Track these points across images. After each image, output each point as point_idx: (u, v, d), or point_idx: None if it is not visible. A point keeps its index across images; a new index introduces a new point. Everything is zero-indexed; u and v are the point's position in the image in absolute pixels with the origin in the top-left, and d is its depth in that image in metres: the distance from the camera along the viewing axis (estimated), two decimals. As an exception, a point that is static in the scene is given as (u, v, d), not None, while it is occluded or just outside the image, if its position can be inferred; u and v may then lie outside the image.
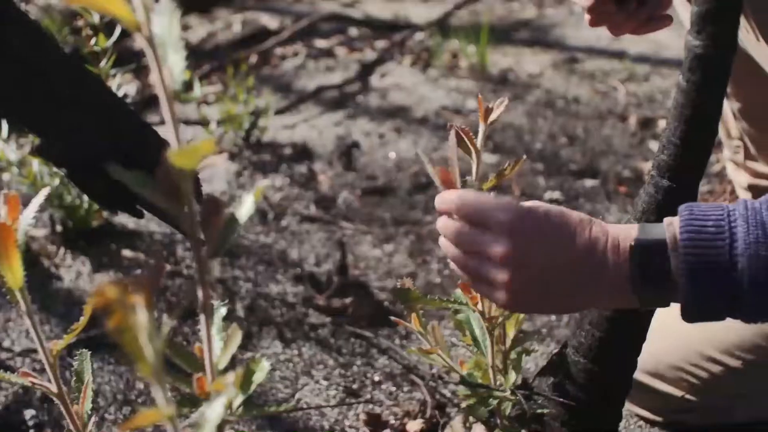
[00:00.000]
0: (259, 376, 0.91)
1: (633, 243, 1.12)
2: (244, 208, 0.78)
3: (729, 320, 1.59)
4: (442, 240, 1.22)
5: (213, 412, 0.71)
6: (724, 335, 1.61)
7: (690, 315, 1.11)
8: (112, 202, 1.28)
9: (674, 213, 1.13)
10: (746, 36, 1.83)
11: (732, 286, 1.06)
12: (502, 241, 1.13)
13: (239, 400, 0.91)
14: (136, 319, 0.65)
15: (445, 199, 1.19)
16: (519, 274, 1.13)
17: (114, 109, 1.26)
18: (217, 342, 0.90)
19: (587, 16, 1.57)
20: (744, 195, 2.28)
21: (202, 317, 0.80)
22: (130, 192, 0.74)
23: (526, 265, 1.14)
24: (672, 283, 1.10)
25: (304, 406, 1.77)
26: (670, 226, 1.10)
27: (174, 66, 0.72)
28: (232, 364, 0.85)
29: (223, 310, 0.94)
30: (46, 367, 1.05)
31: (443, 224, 1.20)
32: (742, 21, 1.80)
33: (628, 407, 1.73)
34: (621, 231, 1.14)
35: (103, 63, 1.98)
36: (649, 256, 1.11)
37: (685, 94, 1.24)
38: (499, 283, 1.15)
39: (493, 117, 1.28)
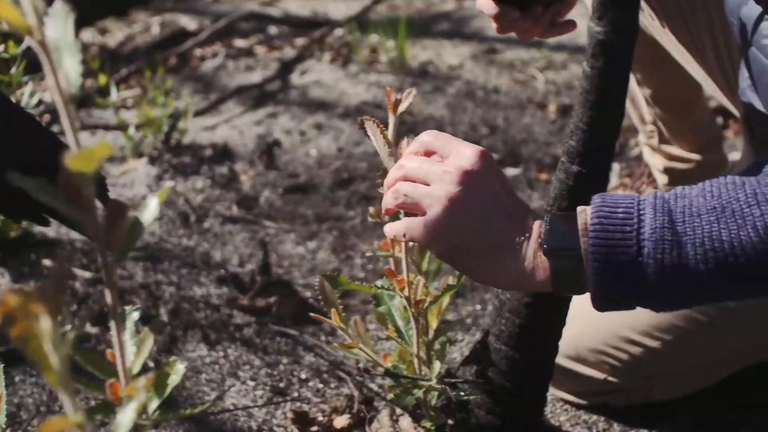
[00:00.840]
0: (174, 379, 0.90)
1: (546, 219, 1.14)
2: (149, 211, 0.77)
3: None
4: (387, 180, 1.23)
5: (125, 417, 0.70)
6: (642, 317, 1.64)
7: (599, 302, 1.12)
8: (15, 211, 1.26)
9: (586, 198, 1.14)
10: (652, 23, 1.87)
11: (638, 271, 1.08)
12: (470, 159, 1.15)
13: (155, 404, 0.90)
14: (40, 327, 0.64)
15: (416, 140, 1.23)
16: (468, 193, 1.14)
17: (12, 117, 1.24)
18: (131, 347, 0.89)
19: (494, 25, 1.59)
20: (660, 178, 2.32)
21: (112, 322, 0.79)
22: (33, 200, 0.73)
23: (478, 190, 1.15)
24: (584, 269, 1.11)
25: (231, 407, 1.76)
26: (582, 213, 1.12)
27: (69, 70, 0.72)
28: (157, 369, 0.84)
29: (136, 315, 0.93)
30: (-43, 382, 1.03)
31: (402, 164, 1.22)
32: (647, 8, 1.83)
33: (553, 392, 1.76)
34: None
35: (13, 70, 1.95)
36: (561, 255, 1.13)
37: (590, 80, 1.26)
38: (439, 198, 1.15)
39: (401, 108, 1.29)
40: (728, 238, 1.06)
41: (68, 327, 1.93)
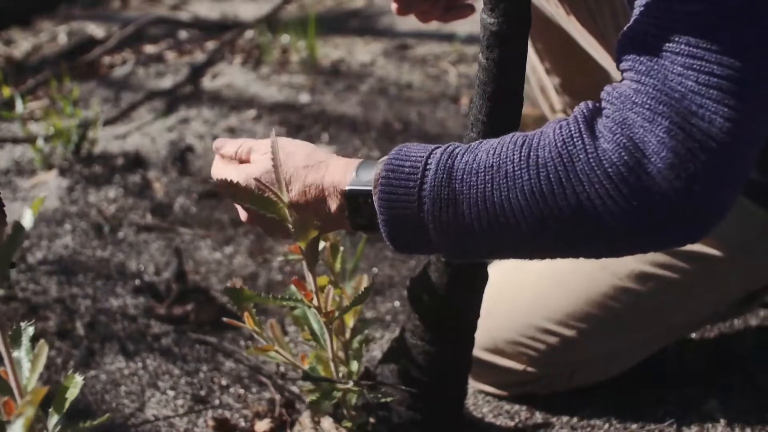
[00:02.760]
0: (72, 393, 0.88)
1: (346, 190, 1.22)
2: (25, 221, 0.75)
3: (560, 291, 1.64)
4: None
5: (13, 435, 0.69)
6: (557, 307, 1.65)
7: (392, 245, 1.19)
8: None
9: None
10: (557, 11, 1.88)
11: (421, 225, 1.14)
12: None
13: (54, 419, 0.88)
14: None
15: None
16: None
17: None
18: (26, 363, 0.87)
19: (394, 5, 1.58)
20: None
21: None
22: None
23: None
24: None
25: (151, 418, 1.73)
26: (380, 164, 1.18)
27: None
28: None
29: (31, 330, 0.90)
30: None
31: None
32: (550, -4, 1.84)
33: (475, 385, 1.76)
34: (340, 175, 1.24)
35: None
36: (357, 202, 1.21)
37: (487, 72, 1.25)
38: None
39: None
40: (499, 200, 1.09)
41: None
